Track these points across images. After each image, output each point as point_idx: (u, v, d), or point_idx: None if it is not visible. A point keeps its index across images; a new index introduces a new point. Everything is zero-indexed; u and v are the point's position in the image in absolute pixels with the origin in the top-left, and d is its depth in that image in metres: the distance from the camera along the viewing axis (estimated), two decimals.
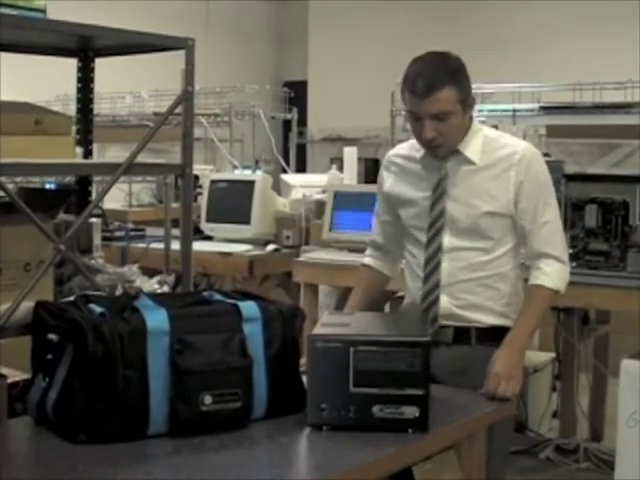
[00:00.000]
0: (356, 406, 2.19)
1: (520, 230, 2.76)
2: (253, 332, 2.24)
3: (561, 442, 4.46)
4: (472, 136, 2.76)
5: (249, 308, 2.27)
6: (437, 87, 2.61)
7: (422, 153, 2.80)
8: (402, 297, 3.02)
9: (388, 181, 2.91)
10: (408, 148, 2.89)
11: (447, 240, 2.76)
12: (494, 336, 2.73)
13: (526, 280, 2.80)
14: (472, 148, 2.75)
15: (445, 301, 2.76)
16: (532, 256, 2.77)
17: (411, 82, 2.64)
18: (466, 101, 2.69)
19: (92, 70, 3.12)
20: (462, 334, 2.75)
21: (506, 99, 7.14)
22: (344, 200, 4.72)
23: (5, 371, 2.69)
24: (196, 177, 5.42)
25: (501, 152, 2.75)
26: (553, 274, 2.72)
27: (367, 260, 3.04)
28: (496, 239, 2.76)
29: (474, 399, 2.54)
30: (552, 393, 4.88)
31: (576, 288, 3.83)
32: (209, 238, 5.21)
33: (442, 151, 2.73)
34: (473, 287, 2.76)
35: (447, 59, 2.68)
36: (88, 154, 3.14)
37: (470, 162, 2.75)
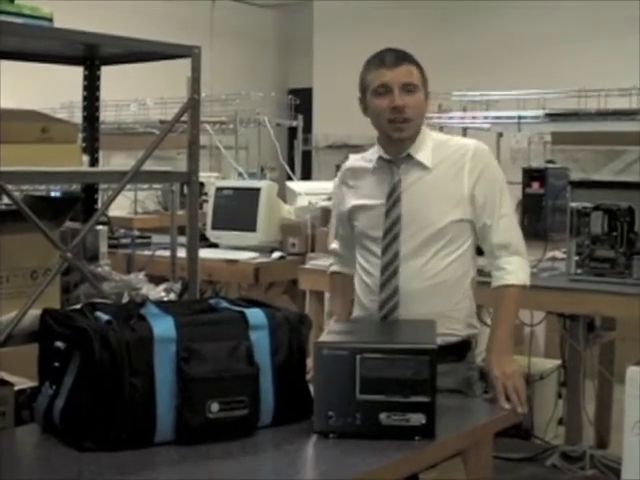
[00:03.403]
0: (363, 413, 2.20)
1: (481, 228, 2.75)
2: (260, 339, 2.24)
3: (567, 449, 4.45)
4: (422, 140, 2.76)
5: (256, 316, 2.27)
6: (406, 60, 2.70)
7: (374, 163, 2.80)
8: None
9: (343, 193, 2.90)
10: (361, 159, 2.89)
11: (403, 246, 2.72)
12: (451, 352, 2.70)
13: (489, 284, 2.78)
14: (423, 152, 2.74)
15: (402, 308, 2.72)
16: (492, 251, 2.75)
17: (379, 57, 2.73)
18: (426, 87, 2.73)
19: (98, 78, 3.11)
20: None
21: (511, 106, 7.12)
22: None
23: (12, 379, 2.69)
24: (201, 184, 5.42)
25: (452, 152, 2.75)
26: (518, 271, 2.72)
27: (335, 267, 3.06)
28: (452, 243, 2.73)
29: (481, 407, 2.55)
30: (558, 400, 4.87)
31: (582, 295, 3.85)
32: (215, 245, 5.21)
33: (407, 130, 2.70)
34: (430, 293, 2.71)
35: (407, 52, 2.76)
36: (94, 162, 3.15)
37: (422, 166, 2.74)
